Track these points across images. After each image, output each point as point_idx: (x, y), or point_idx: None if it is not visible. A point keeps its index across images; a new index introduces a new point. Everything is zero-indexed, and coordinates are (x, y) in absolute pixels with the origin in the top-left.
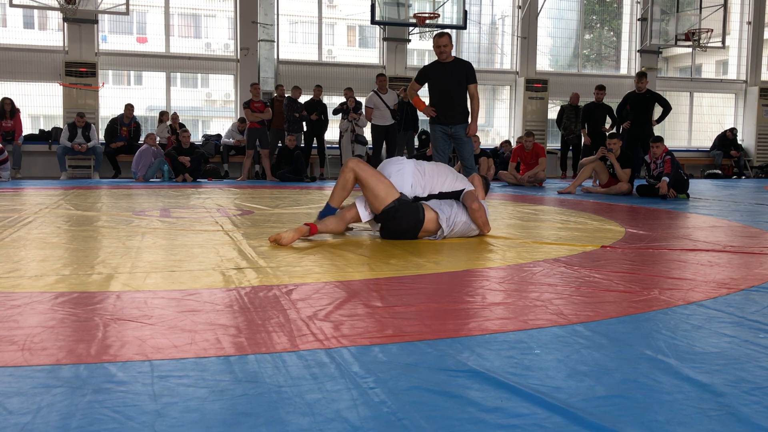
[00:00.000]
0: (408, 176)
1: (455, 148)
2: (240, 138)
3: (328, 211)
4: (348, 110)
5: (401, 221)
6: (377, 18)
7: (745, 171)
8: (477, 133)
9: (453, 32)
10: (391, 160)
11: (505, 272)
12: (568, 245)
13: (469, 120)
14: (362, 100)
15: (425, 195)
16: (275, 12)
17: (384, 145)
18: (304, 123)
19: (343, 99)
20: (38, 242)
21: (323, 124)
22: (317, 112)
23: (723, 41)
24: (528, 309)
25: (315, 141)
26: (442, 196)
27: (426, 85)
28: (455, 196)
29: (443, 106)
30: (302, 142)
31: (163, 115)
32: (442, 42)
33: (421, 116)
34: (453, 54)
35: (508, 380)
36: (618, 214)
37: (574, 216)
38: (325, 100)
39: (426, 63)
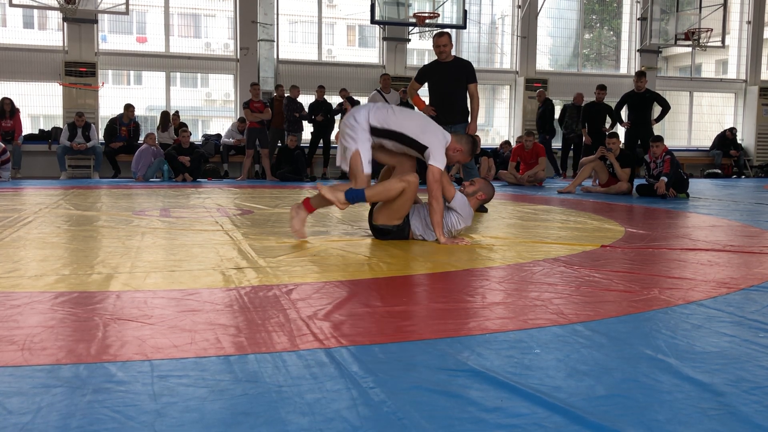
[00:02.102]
0: (364, 110)
1: None
2: (240, 138)
3: (359, 196)
4: (345, 111)
5: (390, 238)
6: (377, 17)
7: (745, 170)
8: (477, 133)
9: (453, 32)
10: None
11: (505, 272)
12: (567, 245)
13: (469, 119)
14: (361, 99)
15: (380, 127)
16: (275, 12)
17: None
18: (304, 122)
19: (341, 99)
20: (38, 242)
21: (330, 124)
22: (323, 112)
23: (723, 41)
24: (528, 308)
25: (321, 141)
26: (396, 136)
27: (426, 84)
28: (414, 146)
29: (443, 106)
30: (301, 141)
31: (166, 116)
32: (441, 42)
33: None
34: (453, 53)
35: (508, 380)
36: (618, 213)
37: (574, 215)
38: (327, 100)
39: (426, 62)
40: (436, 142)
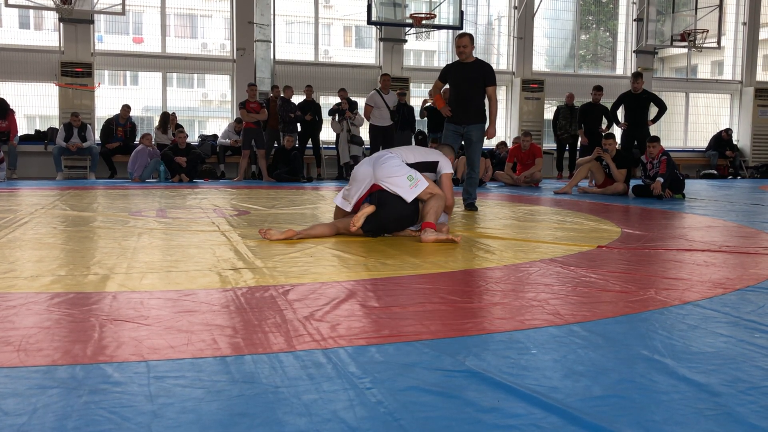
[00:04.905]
0: (399, 160)
1: (465, 148)
2: (236, 138)
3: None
4: (343, 111)
5: (392, 201)
6: (374, 18)
7: (741, 171)
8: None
9: (449, 33)
10: (383, 159)
11: (501, 272)
12: (564, 245)
13: (487, 122)
14: (358, 100)
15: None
16: (271, 12)
17: (382, 147)
18: (298, 123)
19: (338, 100)
20: (34, 243)
21: (317, 125)
22: (311, 112)
23: (718, 42)
24: (524, 309)
25: (310, 142)
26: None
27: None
28: (429, 168)
29: (458, 106)
30: (296, 142)
31: (165, 117)
32: (462, 42)
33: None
34: (446, 54)
35: (505, 380)
36: (614, 214)
37: (571, 216)
38: (322, 100)
39: (422, 64)
40: (440, 156)
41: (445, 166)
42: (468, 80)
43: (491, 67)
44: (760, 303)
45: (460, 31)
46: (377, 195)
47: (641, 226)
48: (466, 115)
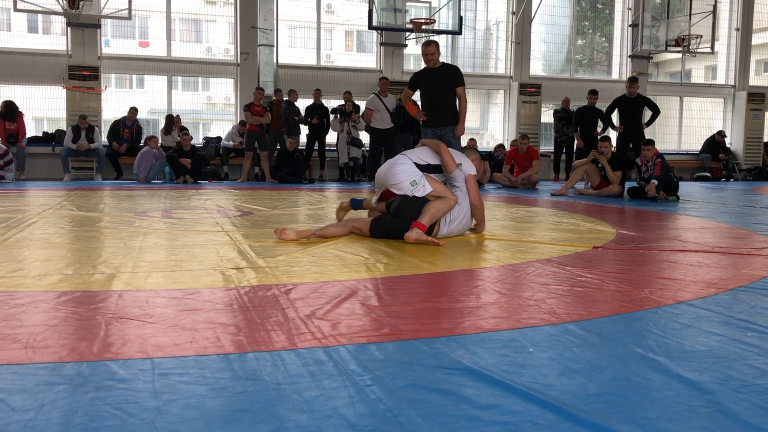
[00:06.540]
0: (410, 165)
1: None
2: (240, 140)
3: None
4: (346, 113)
5: (409, 210)
6: (374, 23)
7: (734, 174)
8: (474, 137)
9: (448, 37)
10: (394, 164)
11: (499, 272)
12: (560, 246)
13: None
14: (359, 103)
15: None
16: (275, 17)
17: (384, 149)
18: (301, 126)
19: (341, 102)
20: (41, 242)
21: (325, 128)
22: (318, 115)
23: (712, 47)
24: (521, 308)
25: (317, 144)
26: (432, 168)
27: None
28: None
29: (433, 110)
30: (299, 144)
31: (170, 119)
32: (429, 50)
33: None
34: (448, 59)
35: (502, 378)
36: (609, 215)
37: (567, 217)
38: (324, 104)
39: (422, 67)
40: (463, 158)
41: (469, 168)
42: (439, 84)
43: (458, 69)
44: (752, 303)
45: (426, 39)
46: (396, 204)
47: (636, 228)
48: (442, 117)
